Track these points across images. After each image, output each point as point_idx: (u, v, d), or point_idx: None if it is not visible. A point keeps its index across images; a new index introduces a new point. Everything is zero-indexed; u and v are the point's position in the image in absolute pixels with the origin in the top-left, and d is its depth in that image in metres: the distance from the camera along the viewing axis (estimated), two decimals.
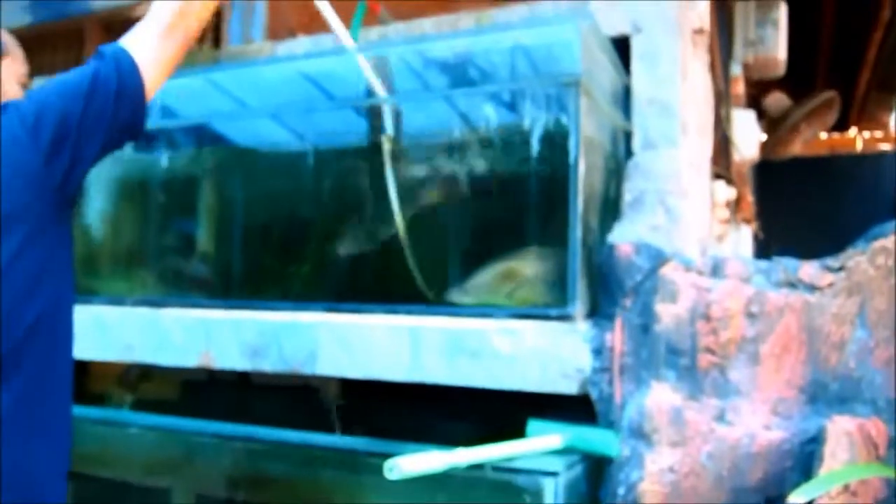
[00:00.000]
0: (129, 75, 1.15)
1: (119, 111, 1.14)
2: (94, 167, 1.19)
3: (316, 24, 2.74)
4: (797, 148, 4.48)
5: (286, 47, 2.60)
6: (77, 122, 1.10)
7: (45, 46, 3.85)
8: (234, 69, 2.52)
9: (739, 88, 2.97)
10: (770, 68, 3.04)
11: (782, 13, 2.98)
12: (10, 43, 1.29)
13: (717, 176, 2.62)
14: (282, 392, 2.41)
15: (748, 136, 2.98)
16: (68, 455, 1.20)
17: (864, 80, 5.62)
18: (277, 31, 3.11)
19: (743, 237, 3.03)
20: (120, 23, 3.77)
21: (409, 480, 1.47)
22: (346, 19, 2.54)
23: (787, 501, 1.28)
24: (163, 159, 2.51)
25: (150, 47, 1.19)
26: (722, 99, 2.70)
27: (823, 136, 6.44)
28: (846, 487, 1.36)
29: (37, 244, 1.07)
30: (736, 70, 2.91)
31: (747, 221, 3.80)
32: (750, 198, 4.71)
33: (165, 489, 2.14)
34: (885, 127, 6.83)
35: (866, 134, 7.06)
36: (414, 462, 1.45)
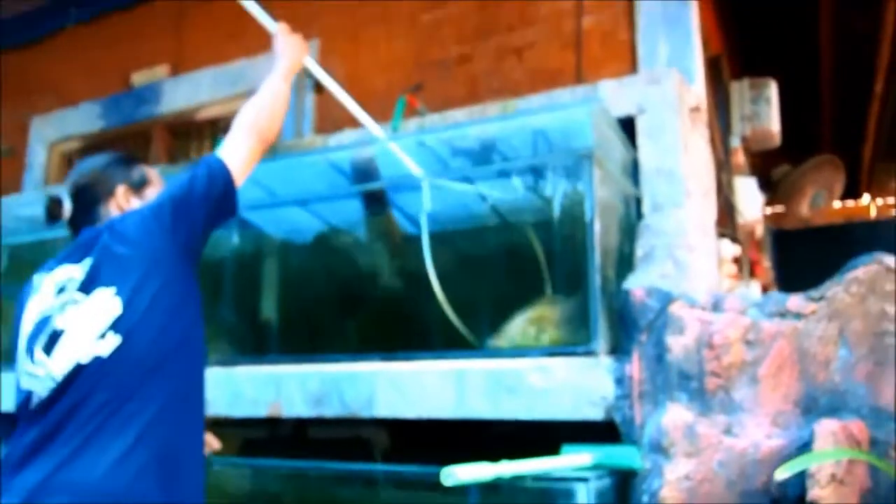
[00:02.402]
0: (218, 169, 1.61)
1: (212, 193, 1.58)
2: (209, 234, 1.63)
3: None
4: (805, 210, 4.74)
5: (336, 139, 3.00)
6: (185, 205, 1.55)
7: (117, 148, 4.33)
8: (291, 158, 2.92)
9: (740, 158, 3.31)
10: (767, 140, 3.38)
11: (773, 91, 3.34)
12: (152, 173, 1.76)
13: (722, 235, 2.93)
14: (336, 444, 2.69)
15: (751, 201, 3.29)
16: (202, 445, 1.54)
17: (868, 149, 5.94)
18: (324, 125, 3.54)
19: (752, 291, 3.30)
20: (183, 125, 4.27)
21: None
22: (390, 114, 2.96)
23: (774, 477, 1.53)
24: (238, 240, 2.89)
25: (234, 147, 1.66)
26: (723, 167, 3.03)
27: (837, 204, 6.70)
28: (834, 477, 1.60)
29: (175, 281, 1.51)
30: (735, 142, 3.26)
31: (765, 287, 4.06)
32: (766, 263, 4.96)
33: None
34: None
35: (880, 201, 7.32)
36: (467, 471, 1.72)
